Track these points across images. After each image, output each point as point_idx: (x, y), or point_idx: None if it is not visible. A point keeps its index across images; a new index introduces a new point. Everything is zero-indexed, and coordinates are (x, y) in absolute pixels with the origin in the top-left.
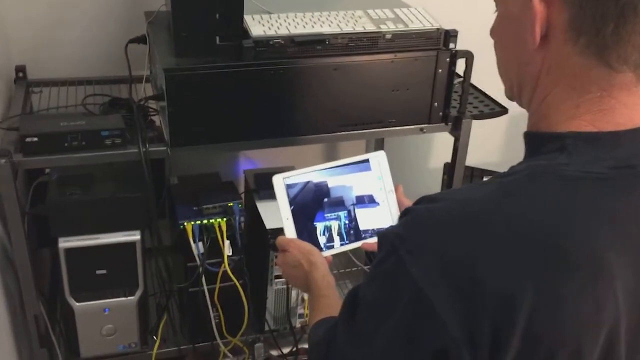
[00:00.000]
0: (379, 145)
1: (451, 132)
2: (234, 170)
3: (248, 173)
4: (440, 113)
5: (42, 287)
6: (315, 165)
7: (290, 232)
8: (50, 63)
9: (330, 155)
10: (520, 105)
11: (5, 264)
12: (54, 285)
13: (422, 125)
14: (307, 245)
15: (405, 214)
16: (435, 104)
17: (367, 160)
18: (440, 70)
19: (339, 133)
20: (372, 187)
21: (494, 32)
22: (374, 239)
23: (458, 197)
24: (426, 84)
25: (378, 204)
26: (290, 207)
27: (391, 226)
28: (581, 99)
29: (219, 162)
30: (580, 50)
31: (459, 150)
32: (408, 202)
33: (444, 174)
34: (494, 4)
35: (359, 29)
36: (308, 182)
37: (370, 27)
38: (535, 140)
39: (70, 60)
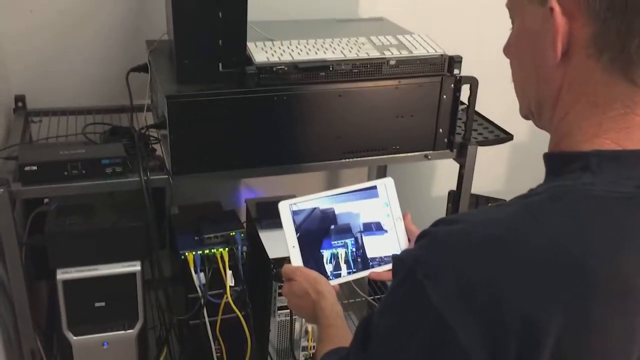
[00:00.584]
0: (381, 172)
1: (456, 159)
2: (235, 200)
3: (250, 202)
4: (445, 139)
5: (38, 320)
6: (321, 192)
7: (297, 260)
8: (50, 93)
9: (333, 183)
10: (538, 125)
11: (2, 296)
12: (51, 319)
13: (427, 152)
14: (314, 274)
15: (422, 236)
16: (440, 130)
17: (374, 187)
18: (444, 96)
19: (342, 160)
20: (380, 214)
21: (509, 49)
22: (382, 268)
23: (478, 219)
24: (431, 110)
25: (386, 231)
26: (297, 233)
27: (407, 249)
28: (604, 116)
29: (220, 191)
30: (603, 67)
31: (464, 177)
32: (416, 230)
33: (448, 202)
34: (500, 27)
35: (362, 55)
36: (315, 209)
37: (374, 54)
38: (557, 160)
39: (70, 89)
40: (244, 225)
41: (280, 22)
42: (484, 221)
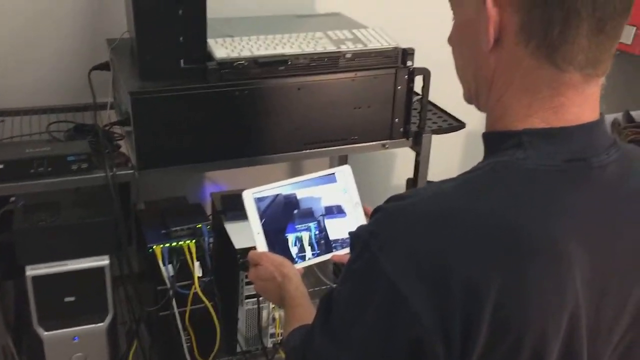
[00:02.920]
0: (342, 162)
1: (412, 147)
2: (200, 194)
3: (215, 195)
4: (401, 129)
5: (8, 318)
6: (283, 180)
7: (262, 246)
8: (12, 92)
9: (296, 174)
10: (478, 107)
11: None
12: (19, 316)
13: (384, 141)
14: (279, 258)
15: (376, 212)
16: (396, 120)
17: (332, 174)
18: (399, 87)
19: (303, 152)
20: (339, 199)
21: (451, 39)
22: (344, 251)
23: (426, 194)
24: (386, 100)
25: (346, 214)
26: (261, 220)
27: (362, 225)
28: (533, 98)
29: (185, 186)
30: (531, 53)
31: (420, 164)
32: None
33: (406, 189)
34: (451, 19)
35: (319, 49)
36: (277, 195)
37: (331, 47)
38: (493, 139)
39: (32, 89)
40: (210, 217)
41: (240, 18)
42: (431, 195)
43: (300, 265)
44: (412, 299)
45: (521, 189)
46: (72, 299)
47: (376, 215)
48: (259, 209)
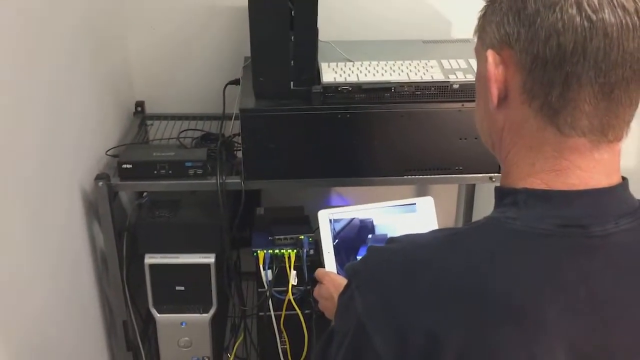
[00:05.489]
0: (469, 192)
1: None
2: (320, 206)
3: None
4: None
5: (134, 296)
6: (360, 205)
7: (330, 265)
8: (164, 100)
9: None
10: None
11: (104, 274)
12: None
13: (492, 174)
14: (340, 279)
15: (367, 251)
16: None
17: (414, 204)
18: None
19: (404, 177)
20: (417, 230)
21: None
22: None
23: (413, 242)
24: None
25: None
26: (335, 240)
27: (355, 260)
28: (537, 158)
29: (307, 196)
30: (534, 113)
31: None
32: None
33: None
34: None
35: (427, 78)
36: (353, 219)
37: (439, 77)
38: (497, 194)
39: (180, 98)
40: (314, 230)
41: (366, 41)
42: (416, 244)
43: None
44: (377, 341)
45: (499, 250)
46: (182, 288)
47: (364, 255)
48: (333, 229)
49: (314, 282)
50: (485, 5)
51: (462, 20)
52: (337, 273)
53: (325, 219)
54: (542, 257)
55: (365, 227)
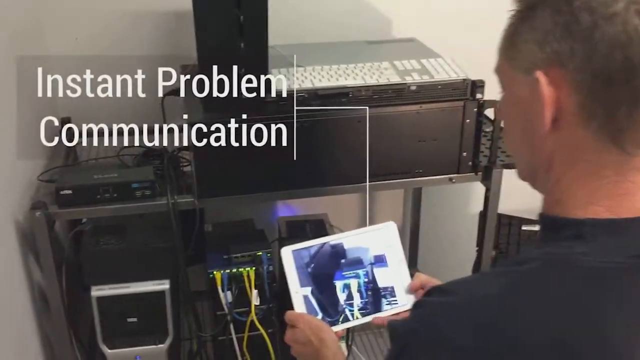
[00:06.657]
0: (417, 193)
1: (482, 182)
2: (270, 217)
3: (281, 220)
4: (470, 163)
5: (80, 334)
6: (323, 237)
7: (300, 306)
8: (93, 113)
9: (364, 203)
10: (533, 186)
11: (43, 311)
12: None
13: (452, 175)
14: (316, 321)
15: (418, 306)
16: (464, 153)
17: (377, 230)
18: (468, 120)
19: (364, 184)
20: (385, 253)
21: (500, 112)
22: (385, 313)
23: (468, 292)
24: (454, 134)
25: (389, 267)
26: (309, 267)
27: (402, 320)
28: (597, 183)
29: (254, 208)
30: (593, 134)
31: (490, 200)
32: (436, 281)
33: (479, 224)
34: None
35: (383, 81)
36: (324, 244)
37: (395, 79)
38: (551, 224)
39: (110, 111)
40: (275, 243)
41: (311, 44)
42: (478, 298)
43: (339, 328)
44: None
45: (581, 291)
46: (134, 319)
47: (418, 311)
48: (301, 261)
49: (279, 307)
50: (512, 23)
51: (402, 19)
52: (309, 313)
53: (289, 256)
54: (624, 294)
55: (336, 252)
